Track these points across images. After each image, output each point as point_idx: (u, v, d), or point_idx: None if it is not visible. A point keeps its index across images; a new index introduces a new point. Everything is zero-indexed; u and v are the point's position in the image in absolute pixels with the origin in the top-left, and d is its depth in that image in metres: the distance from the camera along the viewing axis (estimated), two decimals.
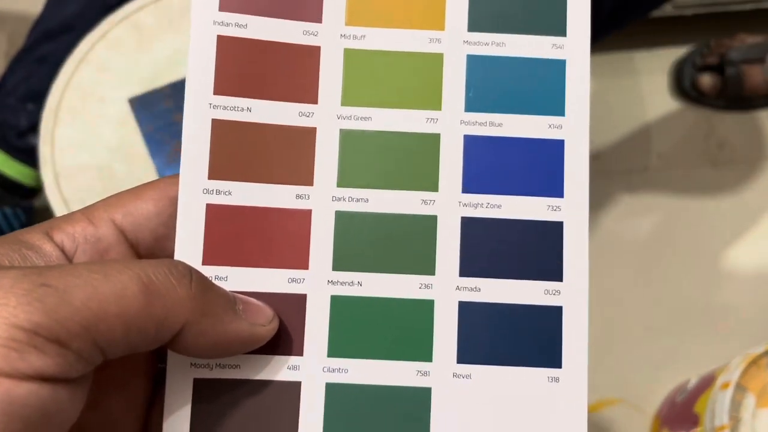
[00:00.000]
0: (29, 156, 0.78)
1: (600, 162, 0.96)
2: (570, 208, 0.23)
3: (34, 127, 0.76)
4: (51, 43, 0.76)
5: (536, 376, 0.22)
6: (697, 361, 0.80)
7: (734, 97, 0.98)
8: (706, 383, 0.70)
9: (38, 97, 0.76)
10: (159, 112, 0.49)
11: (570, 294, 0.23)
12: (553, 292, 0.23)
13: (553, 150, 0.23)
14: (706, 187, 0.95)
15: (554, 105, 0.23)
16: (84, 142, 0.48)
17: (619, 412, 0.81)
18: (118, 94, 0.50)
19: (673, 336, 0.85)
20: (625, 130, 0.99)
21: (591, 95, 0.94)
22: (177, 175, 0.22)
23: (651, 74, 1.03)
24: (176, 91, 0.50)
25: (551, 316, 0.23)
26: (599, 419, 0.81)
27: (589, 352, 0.89)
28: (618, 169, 0.96)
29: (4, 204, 0.79)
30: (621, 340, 0.85)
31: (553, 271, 0.23)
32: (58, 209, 0.47)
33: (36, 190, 0.79)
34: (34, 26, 0.78)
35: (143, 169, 0.48)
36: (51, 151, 0.48)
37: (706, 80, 0.97)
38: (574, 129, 0.23)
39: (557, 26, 0.23)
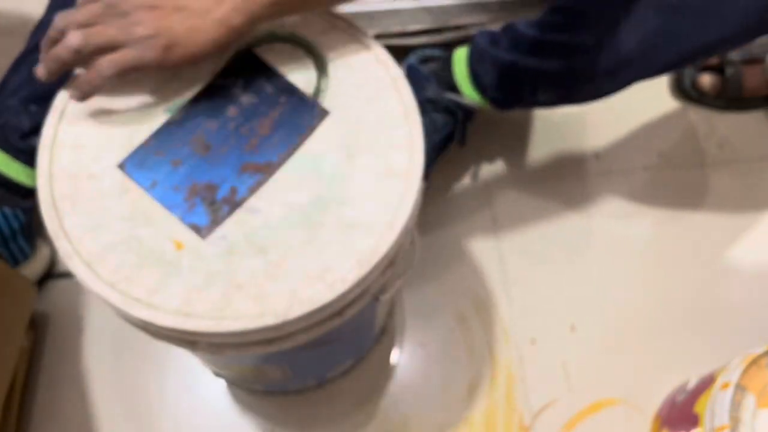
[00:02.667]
0: (31, 157, 0.78)
1: (600, 161, 0.95)
2: None
3: (37, 129, 0.75)
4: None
5: None
6: (697, 361, 0.80)
7: (734, 97, 0.97)
8: (706, 383, 0.70)
9: (41, 99, 0.75)
10: (153, 165, 0.48)
11: None
12: None
13: None
14: (706, 187, 0.95)
15: None
16: (97, 224, 0.46)
17: (620, 413, 0.81)
18: (105, 164, 0.48)
19: (673, 336, 0.85)
20: (625, 129, 0.98)
21: None
22: None
23: None
24: (161, 140, 0.49)
25: None
26: (599, 420, 0.80)
27: (589, 351, 0.88)
28: (618, 169, 0.95)
29: (4, 204, 0.78)
30: (621, 341, 0.84)
31: None
32: (102, 291, 0.44)
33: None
34: (36, 28, 0.77)
35: (168, 223, 0.46)
36: (70, 245, 0.45)
37: (706, 80, 0.97)
38: None
39: None
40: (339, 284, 0.44)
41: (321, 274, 0.45)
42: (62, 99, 0.50)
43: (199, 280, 0.45)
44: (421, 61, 0.87)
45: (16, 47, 0.79)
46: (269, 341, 0.47)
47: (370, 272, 0.45)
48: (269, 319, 0.43)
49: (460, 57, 0.81)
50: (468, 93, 0.82)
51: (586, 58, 0.67)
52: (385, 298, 0.55)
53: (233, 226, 0.47)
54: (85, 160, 0.48)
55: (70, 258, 0.45)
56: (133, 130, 0.49)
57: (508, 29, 0.75)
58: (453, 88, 0.82)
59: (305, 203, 0.47)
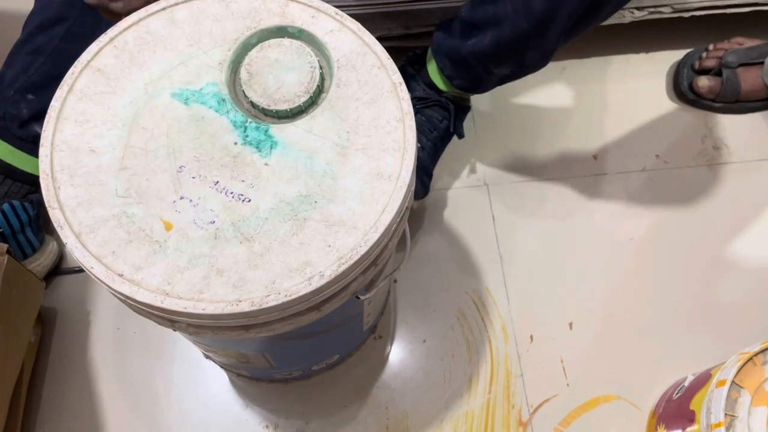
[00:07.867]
0: (33, 144, 0.78)
1: (599, 162, 0.95)
2: None
3: (36, 116, 0.76)
4: (44, 34, 0.76)
5: None
6: (694, 358, 0.79)
7: (731, 99, 0.97)
8: (702, 381, 0.70)
9: (37, 88, 0.76)
10: None
11: None
12: None
13: None
14: (703, 188, 0.94)
15: None
16: (92, 197, 0.46)
17: (616, 409, 0.80)
18: (107, 141, 0.48)
19: (670, 334, 0.84)
20: (623, 131, 0.98)
21: (591, 97, 0.94)
22: None
23: (649, 76, 1.03)
24: None
25: None
26: (596, 415, 0.80)
27: (586, 348, 0.88)
28: (616, 170, 0.95)
29: (14, 197, 0.78)
30: (618, 338, 0.84)
31: None
32: (87, 262, 0.44)
33: None
34: (28, 19, 0.78)
35: (160, 203, 0.47)
36: (63, 215, 0.46)
37: (704, 83, 0.96)
38: None
39: None
40: (317, 279, 0.44)
41: (301, 267, 0.45)
42: (71, 75, 0.50)
43: (183, 261, 0.45)
44: (411, 62, 0.87)
45: (8, 43, 0.79)
46: (246, 328, 0.47)
47: (350, 270, 0.45)
48: (245, 306, 0.43)
49: (431, 54, 0.82)
50: (442, 87, 0.82)
51: (510, 26, 0.68)
52: (367, 297, 0.55)
53: (223, 212, 0.46)
54: (88, 135, 0.49)
55: (60, 227, 0.45)
56: (137, 109, 0.50)
57: (455, 15, 0.76)
58: (432, 84, 0.82)
59: (295, 197, 0.47)
